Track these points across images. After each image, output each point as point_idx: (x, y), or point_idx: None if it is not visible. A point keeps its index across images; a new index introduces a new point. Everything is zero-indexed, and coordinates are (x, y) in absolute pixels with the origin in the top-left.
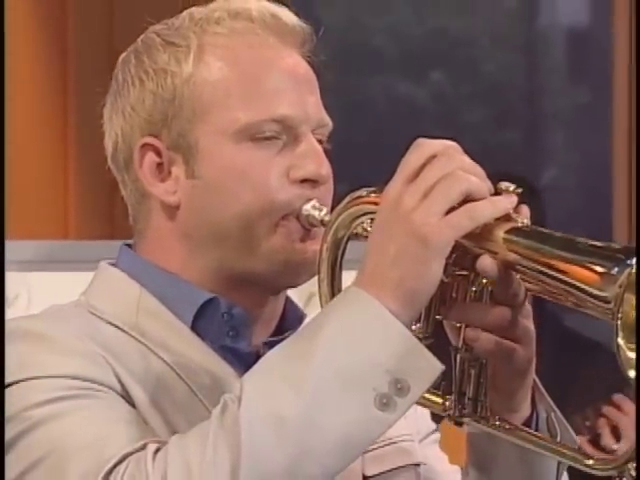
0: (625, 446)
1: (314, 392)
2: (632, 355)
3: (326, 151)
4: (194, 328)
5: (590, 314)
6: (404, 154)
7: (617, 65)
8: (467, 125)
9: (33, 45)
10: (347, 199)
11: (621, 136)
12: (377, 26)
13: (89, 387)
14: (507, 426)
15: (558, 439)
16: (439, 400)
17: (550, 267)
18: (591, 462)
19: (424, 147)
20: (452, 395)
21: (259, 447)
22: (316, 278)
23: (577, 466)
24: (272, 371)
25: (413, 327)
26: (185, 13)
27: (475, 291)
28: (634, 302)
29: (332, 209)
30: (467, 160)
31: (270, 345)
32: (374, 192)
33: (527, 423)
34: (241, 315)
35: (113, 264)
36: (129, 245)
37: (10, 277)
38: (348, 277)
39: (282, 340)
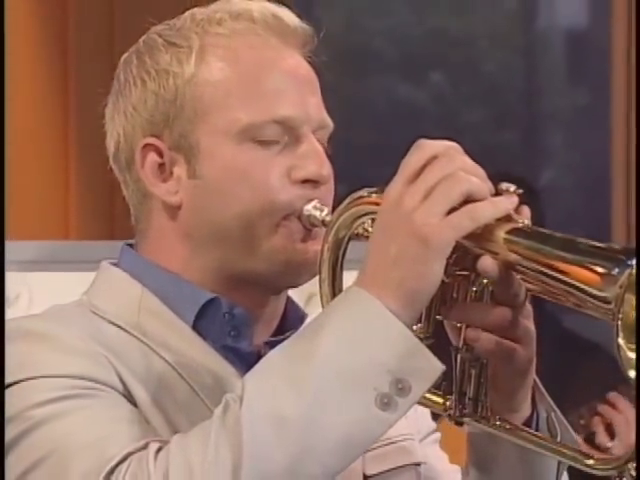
0: (619, 444)
1: (315, 392)
2: (632, 355)
3: (326, 152)
4: (195, 328)
5: (590, 314)
6: (405, 155)
7: (616, 66)
8: (466, 126)
9: (34, 45)
10: (348, 199)
11: (620, 137)
12: (377, 28)
13: (91, 387)
14: (507, 426)
15: (558, 439)
16: (440, 400)
17: (551, 267)
18: (591, 462)
19: (425, 148)
20: (453, 395)
21: (261, 447)
22: (316, 278)
23: (577, 466)
24: (273, 371)
25: (414, 327)
26: (187, 14)
27: (476, 291)
28: (634, 302)
29: (333, 209)
30: (468, 161)
31: (271, 345)
32: (375, 192)
33: (527, 423)
34: (242, 315)
35: (115, 264)
36: (130, 245)
37: (11, 277)
38: (349, 277)
39: (283, 340)
